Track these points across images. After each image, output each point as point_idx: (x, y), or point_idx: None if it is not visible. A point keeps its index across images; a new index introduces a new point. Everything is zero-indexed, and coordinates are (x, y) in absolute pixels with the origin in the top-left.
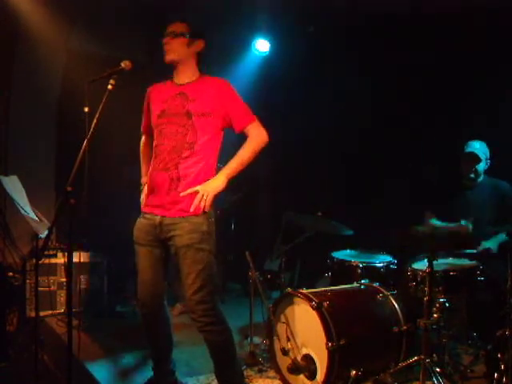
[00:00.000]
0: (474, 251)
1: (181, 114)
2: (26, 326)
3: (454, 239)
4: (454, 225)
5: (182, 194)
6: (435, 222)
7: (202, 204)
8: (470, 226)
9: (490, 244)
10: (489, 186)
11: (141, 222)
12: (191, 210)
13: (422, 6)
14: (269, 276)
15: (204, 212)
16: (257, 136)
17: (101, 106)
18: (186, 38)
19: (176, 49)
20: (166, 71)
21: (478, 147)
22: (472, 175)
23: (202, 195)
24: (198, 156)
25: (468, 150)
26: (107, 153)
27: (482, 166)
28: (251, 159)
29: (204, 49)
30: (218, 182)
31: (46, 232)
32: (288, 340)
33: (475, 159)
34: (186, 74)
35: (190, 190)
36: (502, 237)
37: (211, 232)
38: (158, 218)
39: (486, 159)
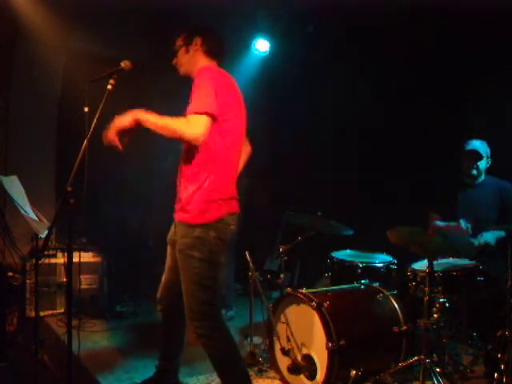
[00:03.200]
0: (476, 242)
1: None
2: (26, 326)
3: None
4: (453, 223)
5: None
6: (439, 224)
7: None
8: (469, 227)
9: (490, 237)
10: (490, 185)
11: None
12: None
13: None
14: (269, 276)
15: (204, 220)
16: (184, 124)
17: (101, 106)
18: (183, 47)
19: (181, 62)
20: (166, 71)
21: (479, 145)
22: (474, 171)
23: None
24: (188, 155)
25: (469, 147)
26: (107, 152)
27: (483, 164)
28: (165, 131)
29: (206, 41)
30: (124, 117)
31: (45, 232)
32: (288, 340)
33: (477, 156)
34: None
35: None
36: (502, 233)
37: (205, 238)
38: (175, 220)
39: (487, 157)
